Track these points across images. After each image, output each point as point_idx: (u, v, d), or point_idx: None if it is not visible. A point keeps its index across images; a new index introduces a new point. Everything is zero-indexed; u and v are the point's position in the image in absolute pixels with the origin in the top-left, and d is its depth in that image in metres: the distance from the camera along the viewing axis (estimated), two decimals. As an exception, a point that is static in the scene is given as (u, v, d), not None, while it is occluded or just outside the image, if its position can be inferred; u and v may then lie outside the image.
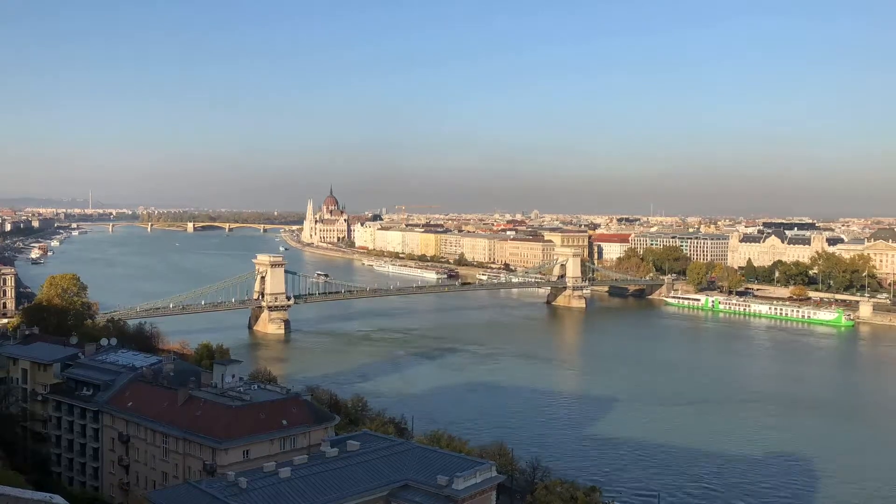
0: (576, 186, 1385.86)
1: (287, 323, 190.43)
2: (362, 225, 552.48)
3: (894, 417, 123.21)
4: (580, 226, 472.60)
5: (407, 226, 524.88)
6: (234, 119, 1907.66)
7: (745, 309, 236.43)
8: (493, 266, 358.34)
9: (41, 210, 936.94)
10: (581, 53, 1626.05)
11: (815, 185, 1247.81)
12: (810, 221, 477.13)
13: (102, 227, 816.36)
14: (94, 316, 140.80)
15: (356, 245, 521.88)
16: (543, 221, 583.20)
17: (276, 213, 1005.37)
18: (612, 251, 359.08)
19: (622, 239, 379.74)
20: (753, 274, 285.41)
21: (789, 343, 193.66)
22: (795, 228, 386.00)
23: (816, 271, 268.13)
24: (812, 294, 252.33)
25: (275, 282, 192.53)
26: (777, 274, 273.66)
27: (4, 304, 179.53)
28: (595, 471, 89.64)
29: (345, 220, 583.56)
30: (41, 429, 77.18)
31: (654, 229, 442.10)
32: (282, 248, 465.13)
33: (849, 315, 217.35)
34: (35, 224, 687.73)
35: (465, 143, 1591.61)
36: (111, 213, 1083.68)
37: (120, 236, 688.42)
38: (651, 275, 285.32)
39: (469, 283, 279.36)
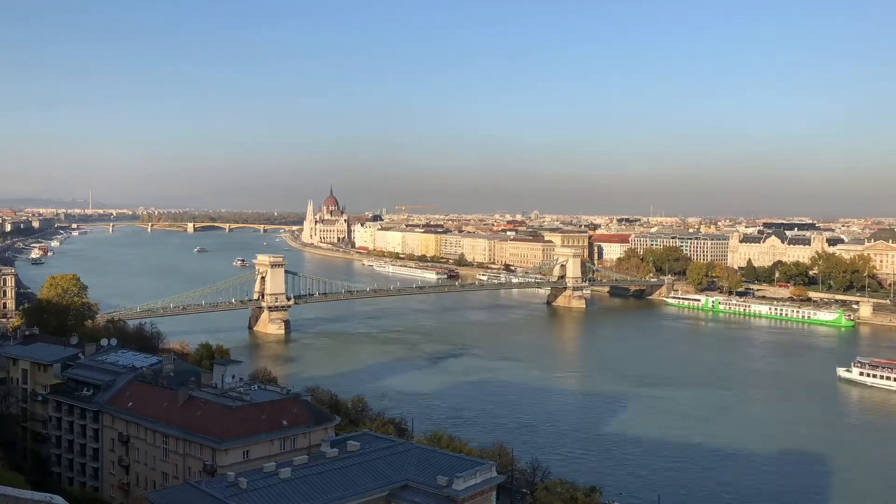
0: (576, 186, 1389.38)
1: (287, 323, 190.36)
2: (362, 225, 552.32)
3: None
4: (580, 226, 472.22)
5: (407, 226, 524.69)
6: (235, 120, 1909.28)
7: (745, 309, 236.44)
8: (493, 266, 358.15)
9: (41, 210, 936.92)
10: (581, 55, 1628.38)
11: (815, 185, 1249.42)
12: (810, 221, 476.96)
13: (102, 227, 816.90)
14: (94, 316, 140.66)
15: (356, 245, 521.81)
16: (543, 222, 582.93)
17: (276, 213, 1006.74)
18: (612, 251, 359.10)
19: (622, 239, 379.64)
20: (753, 274, 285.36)
21: (789, 343, 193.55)
22: (795, 229, 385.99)
23: (816, 272, 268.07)
24: (812, 294, 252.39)
25: (275, 282, 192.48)
26: (777, 274, 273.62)
27: (4, 304, 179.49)
28: (595, 471, 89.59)
29: (345, 220, 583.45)
30: (41, 429, 77.09)
31: (654, 230, 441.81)
32: (272, 249, 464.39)
33: (849, 315, 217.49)
34: (35, 224, 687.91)
35: (465, 144, 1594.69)
36: (111, 214, 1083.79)
37: (119, 237, 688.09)
38: (651, 275, 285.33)
39: (469, 284, 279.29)
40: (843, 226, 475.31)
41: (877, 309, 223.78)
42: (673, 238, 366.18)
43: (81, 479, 71.92)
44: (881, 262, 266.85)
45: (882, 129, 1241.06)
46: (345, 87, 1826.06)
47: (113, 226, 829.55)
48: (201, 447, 58.46)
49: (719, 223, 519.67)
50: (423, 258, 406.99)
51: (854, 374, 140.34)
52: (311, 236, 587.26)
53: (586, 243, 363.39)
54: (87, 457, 71.51)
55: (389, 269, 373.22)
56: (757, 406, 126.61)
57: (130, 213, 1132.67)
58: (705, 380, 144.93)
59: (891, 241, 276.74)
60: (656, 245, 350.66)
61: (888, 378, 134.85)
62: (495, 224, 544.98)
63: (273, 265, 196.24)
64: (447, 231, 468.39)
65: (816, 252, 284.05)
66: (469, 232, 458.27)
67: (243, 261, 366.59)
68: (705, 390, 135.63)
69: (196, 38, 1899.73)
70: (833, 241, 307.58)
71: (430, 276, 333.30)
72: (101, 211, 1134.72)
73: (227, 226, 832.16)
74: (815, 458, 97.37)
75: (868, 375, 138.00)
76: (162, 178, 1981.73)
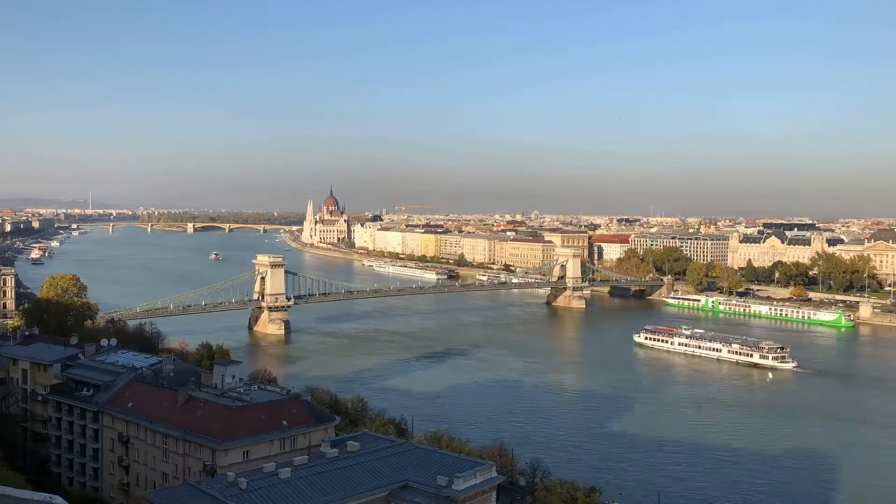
0: (576, 186, 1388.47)
1: (287, 323, 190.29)
2: (362, 225, 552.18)
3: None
4: (580, 226, 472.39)
5: (407, 226, 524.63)
6: (235, 120, 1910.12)
7: (745, 309, 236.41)
8: (493, 267, 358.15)
9: (41, 210, 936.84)
10: (581, 56, 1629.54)
11: (815, 185, 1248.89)
12: (810, 222, 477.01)
13: (102, 227, 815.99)
14: (94, 316, 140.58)
15: (356, 245, 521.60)
16: (543, 222, 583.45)
17: (276, 213, 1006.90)
18: (612, 252, 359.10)
19: (622, 239, 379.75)
20: (753, 274, 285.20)
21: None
22: (795, 229, 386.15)
23: (816, 272, 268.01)
24: (812, 295, 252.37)
25: (275, 282, 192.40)
26: (777, 274, 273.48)
27: (4, 304, 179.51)
28: (595, 471, 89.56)
29: (345, 220, 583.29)
30: (41, 429, 77.06)
31: (654, 230, 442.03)
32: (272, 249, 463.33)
33: (849, 315, 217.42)
34: (35, 224, 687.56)
35: (465, 144, 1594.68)
36: (111, 214, 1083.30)
37: (119, 237, 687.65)
38: (651, 275, 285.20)
39: (469, 284, 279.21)
40: (843, 226, 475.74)
41: (877, 309, 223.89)
42: (673, 238, 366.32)
43: (81, 479, 71.93)
44: (881, 262, 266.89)
45: (882, 130, 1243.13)
46: (345, 87, 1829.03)
47: (113, 226, 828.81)
48: (201, 447, 58.45)
49: (719, 223, 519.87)
50: (422, 258, 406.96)
51: (641, 338, 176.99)
52: (311, 236, 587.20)
53: (586, 243, 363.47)
54: (87, 457, 71.51)
55: (389, 269, 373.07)
56: (755, 405, 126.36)
57: (130, 213, 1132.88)
58: (704, 379, 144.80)
59: (891, 241, 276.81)
60: (656, 245, 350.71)
61: (660, 340, 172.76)
62: (495, 224, 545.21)
63: (273, 265, 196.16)
64: (447, 231, 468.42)
65: (816, 252, 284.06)
66: (469, 232, 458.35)
67: (217, 254, 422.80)
68: (704, 389, 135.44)
69: (196, 40, 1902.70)
70: (833, 242, 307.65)
71: (430, 276, 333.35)
72: (101, 211, 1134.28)
73: (227, 226, 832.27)
74: (816, 458, 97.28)
75: (649, 339, 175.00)
76: (162, 178, 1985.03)
